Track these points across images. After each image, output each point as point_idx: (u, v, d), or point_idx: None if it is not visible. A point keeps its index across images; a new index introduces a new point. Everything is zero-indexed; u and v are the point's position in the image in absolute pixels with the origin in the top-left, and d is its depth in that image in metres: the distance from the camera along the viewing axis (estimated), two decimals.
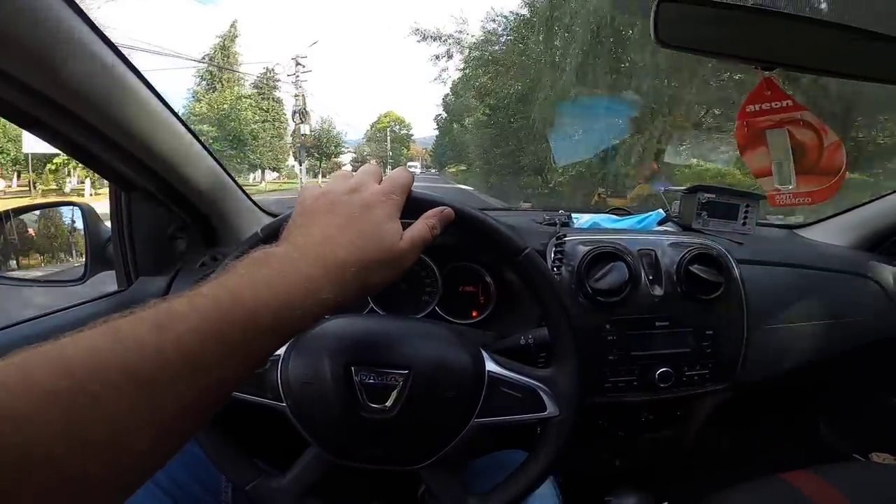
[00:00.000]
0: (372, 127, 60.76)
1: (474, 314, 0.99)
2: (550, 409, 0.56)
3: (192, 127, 0.86)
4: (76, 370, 0.26)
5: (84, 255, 0.95)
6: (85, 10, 0.57)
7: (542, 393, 0.56)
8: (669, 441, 1.04)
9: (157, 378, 0.27)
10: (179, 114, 0.82)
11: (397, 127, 63.88)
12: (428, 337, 0.60)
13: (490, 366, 0.57)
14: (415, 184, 0.51)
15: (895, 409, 1.22)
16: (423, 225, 0.47)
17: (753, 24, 0.54)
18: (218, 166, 0.95)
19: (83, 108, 0.64)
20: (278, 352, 0.56)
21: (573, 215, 1.09)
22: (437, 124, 39.29)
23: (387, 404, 0.54)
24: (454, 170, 34.47)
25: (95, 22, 0.60)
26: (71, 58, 0.57)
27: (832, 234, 1.13)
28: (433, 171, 64.10)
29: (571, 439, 0.57)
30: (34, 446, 0.23)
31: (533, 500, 0.61)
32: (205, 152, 0.90)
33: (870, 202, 1.11)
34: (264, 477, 0.58)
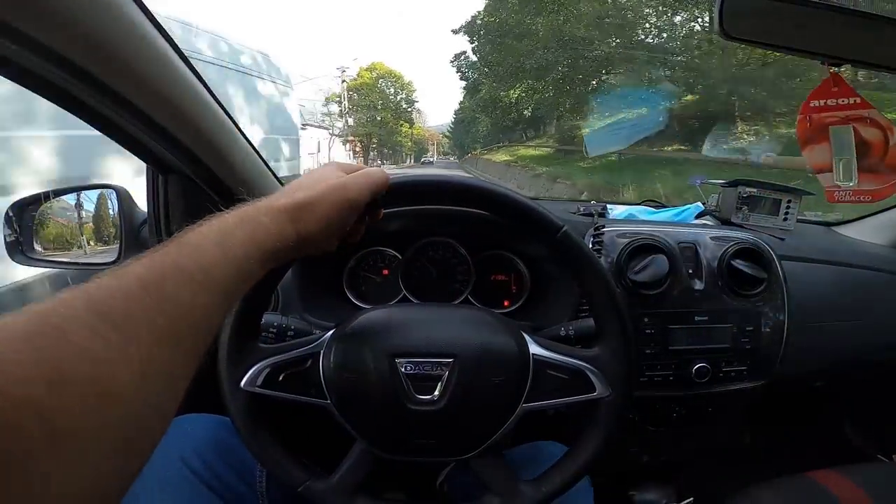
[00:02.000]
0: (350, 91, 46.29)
1: (506, 304, 0.98)
2: (600, 389, 0.55)
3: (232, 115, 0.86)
4: (42, 309, 0.26)
5: (119, 238, 0.95)
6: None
7: (589, 374, 0.55)
8: (698, 437, 1.04)
9: (124, 310, 0.29)
10: None
11: (392, 87, 52.75)
12: (470, 322, 0.59)
13: (534, 349, 0.57)
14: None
15: None
16: (365, 169, 0.52)
17: (821, 19, 0.52)
18: (256, 154, 0.94)
19: (126, 88, 0.63)
20: (316, 347, 0.56)
21: (608, 206, 1.07)
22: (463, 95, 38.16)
23: (434, 395, 0.53)
24: (499, 156, 28.04)
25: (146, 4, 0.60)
26: (118, 37, 0.57)
27: (872, 233, 1.11)
28: (452, 158, 59.63)
29: (623, 421, 0.56)
30: (11, 386, 0.22)
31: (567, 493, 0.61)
32: (243, 140, 0.90)
33: None
34: (314, 478, 0.57)
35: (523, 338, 0.57)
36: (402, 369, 0.53)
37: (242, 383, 0.55)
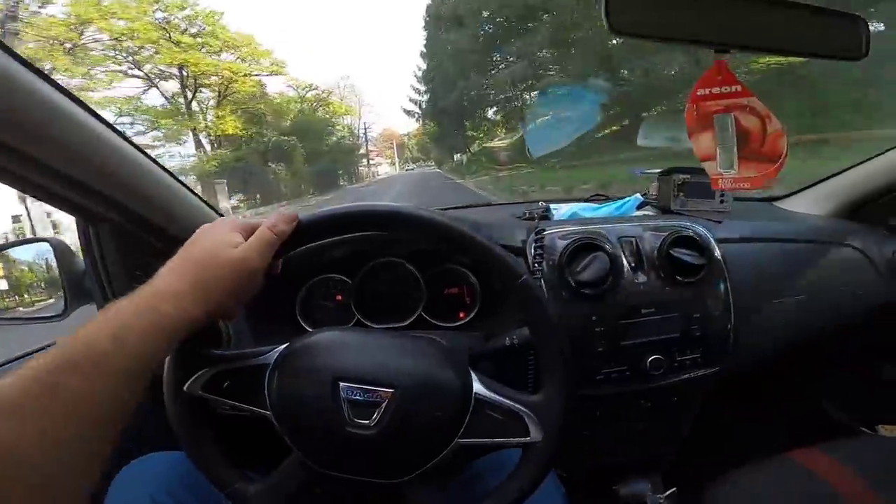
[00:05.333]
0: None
1: (461, 315, 0.98)
2: (534, 435, 0.56)
3: (147, 151, 0.84)
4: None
5: (62, 291, 0.93)
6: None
7: (526, 418, 0.56)
8: (670, 427, 1.04)
9: (16, 400, 0.36)
10: None
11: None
12: (417, 354, 0.59)
13: (478, 387, 0.57)
14: None
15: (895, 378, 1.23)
16: (262, 229, 0.54)
17: (706, 7, 0.53)
18: (183, 187, 0.92)
19: (38, 149, 0.62)
20: (266, 359, 0.57)
21: (552, 206, 1.08)
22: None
23: (371, 421, 0.53)
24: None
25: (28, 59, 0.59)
26: (20, 101, 0.57)
27: (811, 204, 1.13)
28: (412, 166, 53.95)
29: (551, 467, 0.57)
30: None
31: (535, 496, 0.61)
32: (166, 175, 0.88)
33: (846, 170, 1.11)
34: (245, 481, 0.57)
35: (469, 375, 0.58)
36: (343, 393, 0.54)
37: (185, 386, 0.56)
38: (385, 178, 43.02)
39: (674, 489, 1.09)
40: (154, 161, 0.85)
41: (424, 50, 32.28)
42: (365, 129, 41.99)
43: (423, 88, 33.52)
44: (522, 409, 0.56)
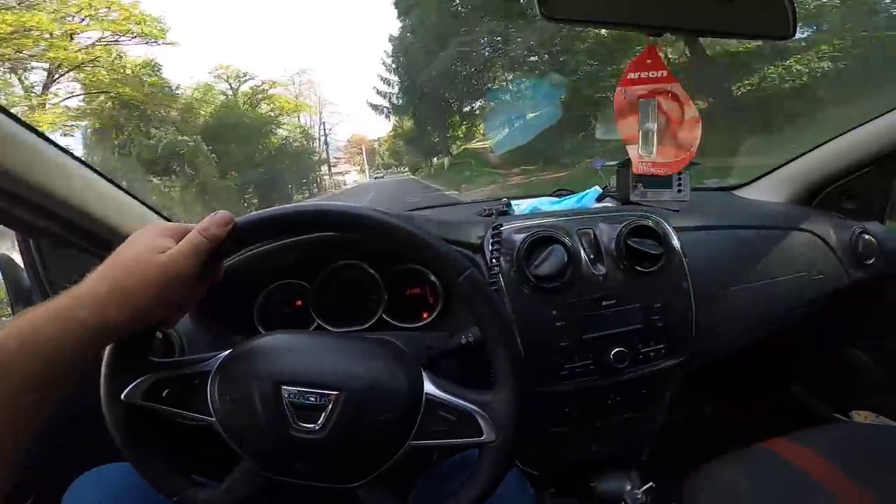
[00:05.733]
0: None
1: (425, 315, 0.96)
2: (487, 434, 0.54)
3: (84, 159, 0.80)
4: None
5: (10, 306, 0.92)
6: None
7: (479, 418, 0.55)
8: (642, 421, 1.03)
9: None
10: None
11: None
12: (364, 357, 0.58)
13: (429, 388, 0.56)
14: None
15: (863, 364, 1.24)
16: (192, 233, 0.51)
17: None
18: (125, 194, 0.90)
19: None
20: (208, 366, 0.56)
21: (513, 202, 1.07)
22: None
23: (317, 425, 0.52)
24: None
25: None
26: None
27: (769, 191, 1.14)
28: (382, 173, 47.86)
29: (510, 465, 0.56)
30: None
31: (504, 496, 0.60)
32: (108, 184, 0.85)
33: (802, 155, 1.13)
34: (195, 488, 0.56)
35: (420, 375, 0.57)
36: (286, 396, 0.53)
37: (123, 395, 0.54)
38: (353, 188, 36.71)
39: (651, 483, 1.09)
40: (96, 171, 0.83)
41: (394, 32, 26.43)
42: (325, 130, 34.24)
43: (393, 79, 27.52)
44: (474, 408, 0.55)
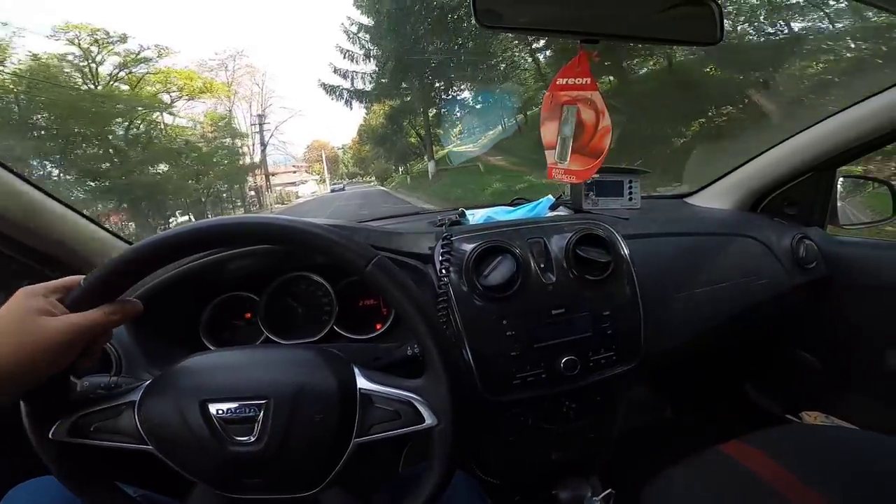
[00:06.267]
0: None
1: (378, 327, 0.95)
2: (428, 420, 0.54)
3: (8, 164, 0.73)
4: None
5: None
6: None
7: (417, 404, 0.55)
8: (598, 427, 1.04)
9: None
10: None
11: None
12: (288, 363, 0.58)
13: (361, 382, 0.56)
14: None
15: (810, 365, 1.28)
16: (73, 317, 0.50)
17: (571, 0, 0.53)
18: (55, 202, 0.85)
19: None
20: (132, 397, 0.55)
21: (468, 211, 1.07)
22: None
23: (252, 437, 0.52)
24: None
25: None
26: None
27: (716, 199, 1.17)
28: (340, 184, 41.03)
29: (460, 446, 0.55)
30: None
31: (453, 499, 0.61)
32: (31, 189, 0.81)
33: (746, 163, 1.16)
34: None
35: (350, 373, 0.56)
36: (216, 413, 0.52)
37: (51, 434, 0.53)
38: (304, 204, 28.47)
39: (610, 490, 1.09)
40: (46, 193, 0.80)
41: None
42: (262, 127, 25.42)
43: (357, 52, 20.10)
44: (409, 395, 0.55)
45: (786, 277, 1.07)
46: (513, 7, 0.52)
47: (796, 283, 1.08)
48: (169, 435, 0.53)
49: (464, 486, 0.78)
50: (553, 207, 1.06)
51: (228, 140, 21.97)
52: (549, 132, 0.56)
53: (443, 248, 0.85)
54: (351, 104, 20.98)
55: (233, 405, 0.52)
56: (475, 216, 1.06)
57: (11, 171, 0.80)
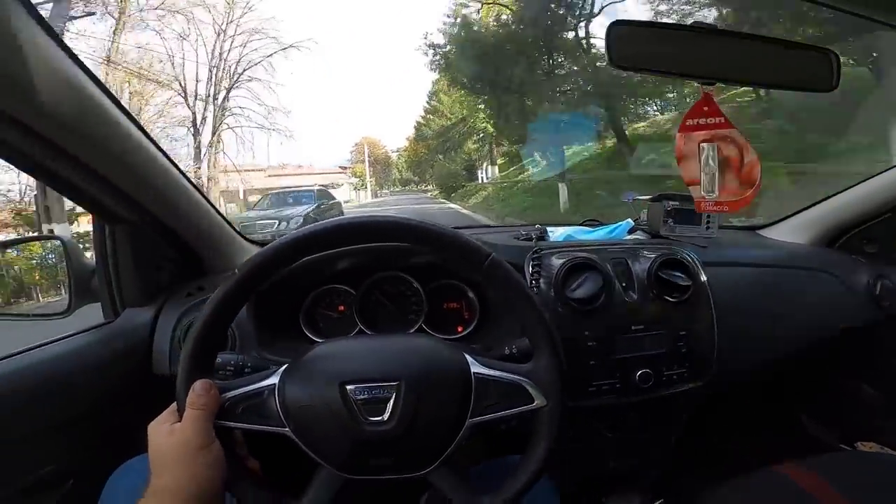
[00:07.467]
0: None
1: (459, 329, 1.02)
2: (538, 400, 0.59)
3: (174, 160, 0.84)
4: None
5: (68, 288, 0.95)
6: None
7: (527, 386, 0.59)
8: (658, 440, 1.08)
9: None
10: None
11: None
12: (414, 348, 0.63)
13: (475, 367, 0.60)
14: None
15: (871, 398, 1.27)
16: (187, 411, 0.57)
17: (694, 44, 0.59)
18: (202, 198, 0.96)
19: (69, 142, 0.66)
20: (272, 380, 0.59)
21: (548, 229, 1.13)
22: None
23: (384, 416, 0.56)
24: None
25: (79, 55, 0.63)
26: (57, 90, 0.60)
27: (792, 233, 1.19)
28: (387, 193, 33.27)
29: (563, 426, 0.60)
30: None
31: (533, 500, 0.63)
32: (189, 184, 0.92)
33: (825, 199, 1.18)
34: (285, 502, 0.59)
35: (465, 359, 0.61)
36: (352, 395, 0.56)
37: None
38: None
39: (661, 500, 1.12)
40: (182, 172, 0.90)
41: None
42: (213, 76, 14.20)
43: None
44: (521, 378, 0.60)
45: (860, 314, 1.08)
46: (642, 50, 0.59)
47: (870, 320, 1.10)
48: (309, 416, 0.57)
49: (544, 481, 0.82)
50: (631, 231, 1.12)
51: None
52: (689, 169, 0.61)
53: (533, 260, 0.92)
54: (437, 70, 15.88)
55: (369, 386, 0.57)
56: (554, 233, 1.12)
57: (189, 179, 0.91)
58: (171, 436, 0.55)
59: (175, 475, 0.53)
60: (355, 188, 32.63)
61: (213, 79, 14.22)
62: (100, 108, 0.69)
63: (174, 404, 0.59)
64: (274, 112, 15.49)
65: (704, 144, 0.60)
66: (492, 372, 0.60)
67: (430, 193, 28.38)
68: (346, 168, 33.01)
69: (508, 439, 0.88)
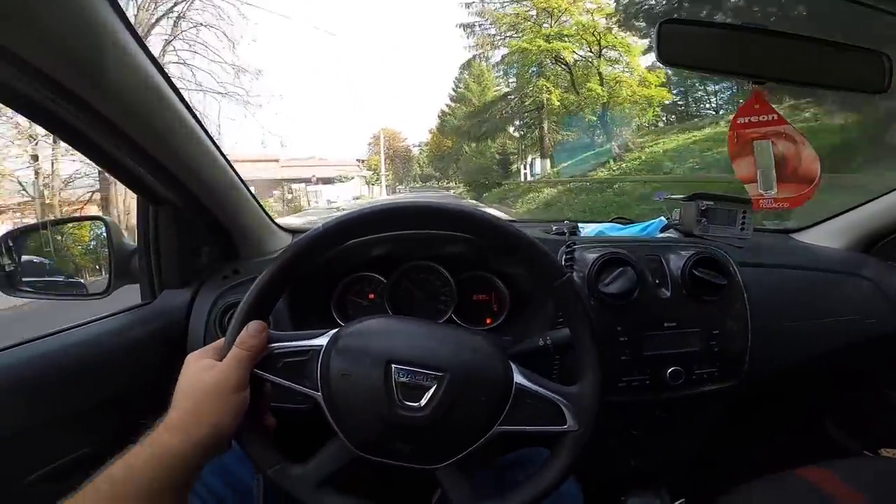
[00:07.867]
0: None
1: (488, 321, 1.03)
2: (570, 423, 0.59)
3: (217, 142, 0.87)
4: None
5: (108, 269, 0.97)
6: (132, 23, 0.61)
7: (563, 407, 0.59)
8: (683, 439, 1.08)
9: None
10: None
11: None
12: (465, 343, 0.62)
13: (518, 378, 0.60)
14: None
15: None
16: (233, 349, 0.57)
17: (744, 43, 0.59)
18: (241, 183, 0.99)
19: (121, 118, 0.67)
20: (320, 342, 0.59)
21: (579, 224, 1.13)
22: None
23: (421, 403, 0.56)
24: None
25: (140, 34, 0.64)
26: (113, 67, 0.61)
27: (826, 237, 1.18)
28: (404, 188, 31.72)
29: (585, 454, 0.60)
30: None
31: (558, 501, 0.63)
32: (229, 168, 0.94)
33: (861, 205, 1.16)
34: (287, 463, 0.59)
35: (510, 366, 0.61)
36: (395, 376, 0.56)
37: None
38: None
39: (682, 500, 1.12)
40: (226, 158, 0.92)
41: None
42: None
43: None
44: (560, 399, 0.59)
45: (893, 319, 1.07)
46: (691, 48, 0.59)
47: None
48: (345, 386, 0.57)
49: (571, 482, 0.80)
50: (664, 229, 1.11)
51: None
52: (743, 167, 0.61)
53: (566, 253, 0.92)
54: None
55: (414, 370, 0.56)
56: (585, 229, 1.12)
57: (230, 164, 0.93)
58: (209, 370, 0.55)
59: (199, 410, 0.53)
60: (367, 182, 30.01)
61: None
62: (160, 92, 0.70)
63: (219, 340, 0.60)
64: (241, 74, 11.97)
65: (757, 141, 0.60)
66: (533, 386, 0.60)
67: (453, 191, 25.43)
68: (362, 161, 30.96)
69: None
